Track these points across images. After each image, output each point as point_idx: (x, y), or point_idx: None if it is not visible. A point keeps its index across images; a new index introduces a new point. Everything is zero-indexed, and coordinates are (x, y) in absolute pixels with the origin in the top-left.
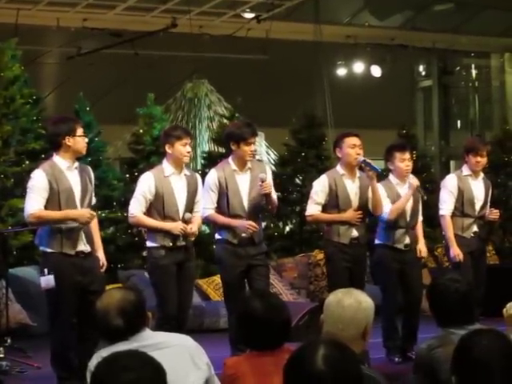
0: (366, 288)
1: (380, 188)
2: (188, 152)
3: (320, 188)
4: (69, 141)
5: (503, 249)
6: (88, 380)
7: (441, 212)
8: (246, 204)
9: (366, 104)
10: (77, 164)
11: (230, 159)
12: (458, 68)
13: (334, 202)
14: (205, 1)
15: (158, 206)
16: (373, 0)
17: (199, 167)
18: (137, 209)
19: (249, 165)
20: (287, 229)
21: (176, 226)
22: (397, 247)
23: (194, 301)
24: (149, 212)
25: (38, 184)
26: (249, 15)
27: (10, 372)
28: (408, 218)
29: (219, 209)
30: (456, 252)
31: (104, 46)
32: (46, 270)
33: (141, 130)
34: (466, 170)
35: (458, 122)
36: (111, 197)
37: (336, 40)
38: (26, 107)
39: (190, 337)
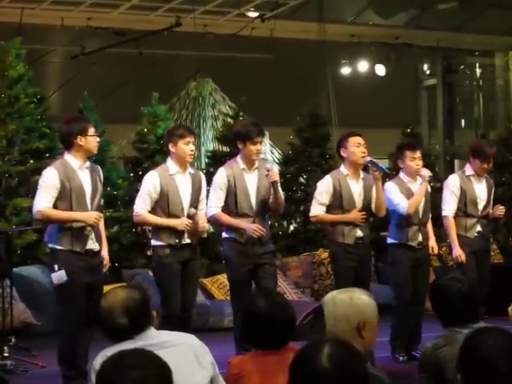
0: (372, 287)
1: (393, 185)
2: (191, 150)
3: (324, 189)
4: (80, 140)
5: (507, 248)
6: (92, 379)
7: (443, 213)
8: (253, 203)
9: (371, 103)
10: (88, 163)
11: (238, 158)
12: (463, 67)
13: (338, 202)
14: (209, 0)
15: (162, 204)
16: None
17: (203, 166)
18: (142, 207)
19: (256, 164)
20: (291, 228)
21: (181, 222)
22: (410, 245)
23: (199, 300)
24: (154, 210)
25: (48, 182)
26: (253, 14)
27: (14, 371)
28: (420, 215)
29: (227, 207)
30: (458, 253)
31: (108, 45)
32: (56, 266)
33: (145, 129)
34: (468, 170)
35: (463, 120)
36: (115, 196)
37: (340, 39)
38: (31, 106)
39: (194, 336)
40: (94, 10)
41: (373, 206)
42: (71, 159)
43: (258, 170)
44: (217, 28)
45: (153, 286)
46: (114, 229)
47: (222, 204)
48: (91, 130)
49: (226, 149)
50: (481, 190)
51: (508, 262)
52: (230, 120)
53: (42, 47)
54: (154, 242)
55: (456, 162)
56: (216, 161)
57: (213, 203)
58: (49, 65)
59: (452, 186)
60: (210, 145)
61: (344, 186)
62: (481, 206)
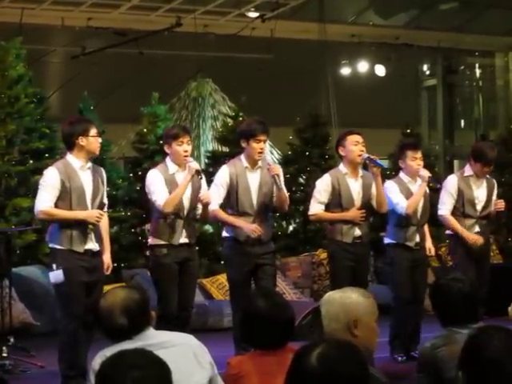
0: (371, 287)
1: (393, 185)
2: (185, 151)
3: (323, 187)
4: (82, 141)
5: (507, 248)
6: (91, 379)
7: (439, 212)
8: (255, 202)
9: (371, 103)
10: (90, 164)
11: (242, 156)
12: (463, 67)
13: (337, 201)
14: (209, 0)
15: None
16: None
17: (203, 166)
18: (162, 198)
19: (259, 163)
20: (291, 228)
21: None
22: (408, 245)
23: (198, 300)
24: (153, 209)
25: (49, 181)
26: (253, 14)
27: (13, 371)
28: (419, 216)
29: (228, 205)
30: (473, 237)
31: (108, 46)
32: (54, 266)
33: (145, 129)
34: (468, 171)
35: (463, 121)
36: (115, 196)
37: (340, 39)
38: (31, 106)
39: (193, 336)
40: (95, 10)
41: (374, 202)
42: (73, 159)
43: (260, 170)
44: (217, 28)
45: (152, 287)
46: (114, 229)
47: (222, 201)
48: (93, 131)
49: (225, 149)
50: (479, 191)
51: (507, 263)
52: (229, 120)
53: (43, 47)
54: (151, 241)
55: (456, 162)
56: (215, 161)
57: (213, 199)
58: (49, 65)
59: (449, 186)
60: (209, 145)
61: (343, 185)
62: (479, 207)
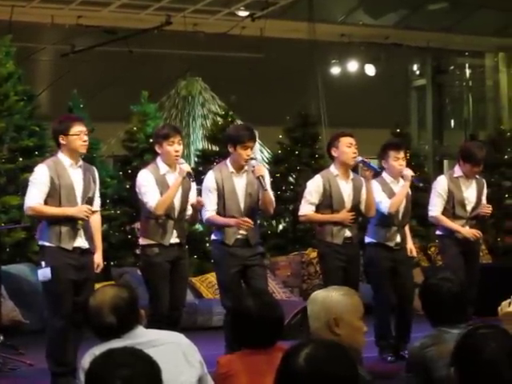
0: (360, 287)
1: (375, 184)
2: (176, 151)
3: (314, 188)
4: (63, 139)
5: (496, 248)
6: (81, 377)
7: (430, 213)
8: (242, 205)
9: (360, 103)
10: (81, 162)
11: (227, 161)
12: (452, 67)
13: (327, 202)
14: None
15: None
16: None
17: (193, 165)
18: (154, 200)
19: (246, 167)
20: (280, 227)
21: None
22: (388, 245)
23: (187, 298)
24: (143, 209)
25: (39, 178)
26: (243, 13)
27: (2, 369)
28: (400, 217)
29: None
30: (470, 232)
31: (98, 44)
32: (43, 263)
33: (134, 128)
34: (458, 172)
35: (452, 121)
36: (104, 194)
37: (330, 39)
38: (20, 104)
39: (183, 335)
40: (85, 8)
41: (362, 206)
42: (63, 157)
43: (246, 174)
44: (207, 27)
45: (141, 285)
46: (103, 227)
47: (216, 207)
48: (74, 130)
49: (215, 148)
50: (469, 192)
51: (496, 263)
52: (219, 119)
53: (32, 45)
54: (142, 241)
55: (445, 162)
56: (205, 160)
57: (206, 207)
58: (39, 63)
59: (439, 187)
60: (199, 144)
61: (334, 186)
62: (469, 208)
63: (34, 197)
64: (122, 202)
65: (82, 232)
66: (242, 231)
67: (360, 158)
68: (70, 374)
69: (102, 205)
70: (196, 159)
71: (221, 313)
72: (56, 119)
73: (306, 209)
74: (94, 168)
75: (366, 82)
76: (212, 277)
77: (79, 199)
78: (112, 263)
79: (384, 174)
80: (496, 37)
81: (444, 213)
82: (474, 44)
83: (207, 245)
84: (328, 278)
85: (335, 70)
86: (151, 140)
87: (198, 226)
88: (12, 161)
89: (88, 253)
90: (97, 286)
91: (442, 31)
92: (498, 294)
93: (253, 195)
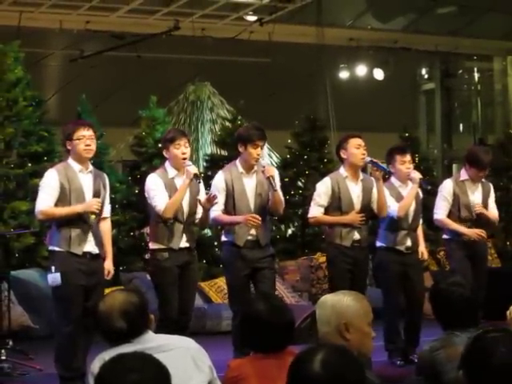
0: (369, 291)
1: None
2: (183, 153)
3: (323, 190)
4: (69, 145)
5: (505, 252)
6: (90, 382)
7: (435, 216)
8: (252, 206)
9: (369, 107)
10: (91, 168)
11: (237, 162)
12: (461, 71)
13: (336, 204)
14: (207, 3)
15: None
16: (375, 3)
17: (202, 170)
18: (162, 203)
19: (255, 168)
20: (289, 231)
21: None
22: (398, 249)
23: (196, 303)
24: (152, 213)
25: (48, 183)
26: (251, 18)
27: (11, 374)
28: (410, 220)
29: (225, 210)
30: (474, 232)
31: (106, 49)
32: (53, 268)
33: (143, 133)
34: (463, 176)
35: (461, 125)
36: (113, 199)
37: (338, 43)
38: (29, 109)
39: (192, 339)
40: (93, 13)
41: (374, 206)
42: (72, 163)
43: (256, 174)
44: (215, 32)
45: (150, 290)
46: (112, 232)
47: (222, 207)
48: (77, 134)
49: (224, 152)
50: (475, 195)
51: (505, 267)
52: (228, 124)
53: (41, 50)
54: (152, 246)
55: (454, 166)
56: (214, 164)
57: (213, 206)
58: (47, 68)
59: (445, 191)
60: (208, 148)
61: (343, 188)
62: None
63: (44, 201)
64: (130, 207)
65: (91, 237)
66: (252, 231)
67: (369, 159)
68: (78, 379)
69: (111, 210)
70: (205, 164)
71: (230, 317)
72: (64, 125)
73: (315, 211)
74: (105, 175)
75: (374, 86)
76: (221, 281)
77: None
78: (121, 268)
79: (392, 179)
80: (504, 40)
81: (450, 216)
82: (482, 48)
83: (216, 249)
84: (335, 281)
85: (343, 75)
86: (160, 145)
87: (207, 231)
88: (21, 166)
89: (98, 258)
90: (106, 291)
91: (450, 35)
92: (507, 298)
93: (263, 195)
